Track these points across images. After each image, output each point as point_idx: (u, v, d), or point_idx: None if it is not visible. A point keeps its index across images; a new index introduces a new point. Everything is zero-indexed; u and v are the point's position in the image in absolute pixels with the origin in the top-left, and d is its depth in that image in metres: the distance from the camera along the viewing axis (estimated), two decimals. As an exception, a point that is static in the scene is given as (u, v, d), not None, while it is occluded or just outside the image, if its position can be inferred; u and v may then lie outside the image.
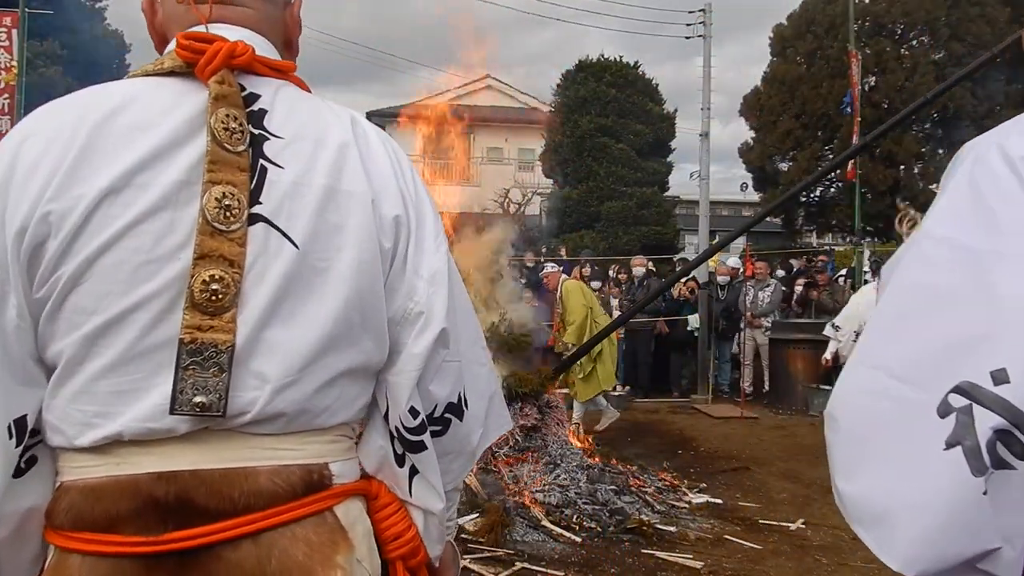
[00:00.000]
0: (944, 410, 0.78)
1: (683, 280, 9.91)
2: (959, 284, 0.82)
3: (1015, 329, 0.76)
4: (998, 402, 0.75)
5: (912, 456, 0.81)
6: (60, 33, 15.99)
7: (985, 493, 0.75)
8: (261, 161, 0.95)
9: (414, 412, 1.01)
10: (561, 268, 8.73)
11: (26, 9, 10.92)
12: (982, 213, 0.84)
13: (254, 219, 0.93)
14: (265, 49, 1.05)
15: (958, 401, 0.78)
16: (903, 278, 0.91)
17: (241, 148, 0.93)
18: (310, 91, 1.10)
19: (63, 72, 15.84)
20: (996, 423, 0.75)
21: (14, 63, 10.59)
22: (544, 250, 14.33)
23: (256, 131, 0.96)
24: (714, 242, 11.78)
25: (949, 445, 0.77)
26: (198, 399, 0.88)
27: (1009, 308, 0.77)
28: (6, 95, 10.64)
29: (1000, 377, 0.76)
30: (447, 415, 1.06)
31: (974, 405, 0.76)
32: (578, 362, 7.34)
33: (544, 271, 8.79)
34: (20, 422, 0.90)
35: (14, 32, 10.68)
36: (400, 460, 1.05)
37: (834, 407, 0.93)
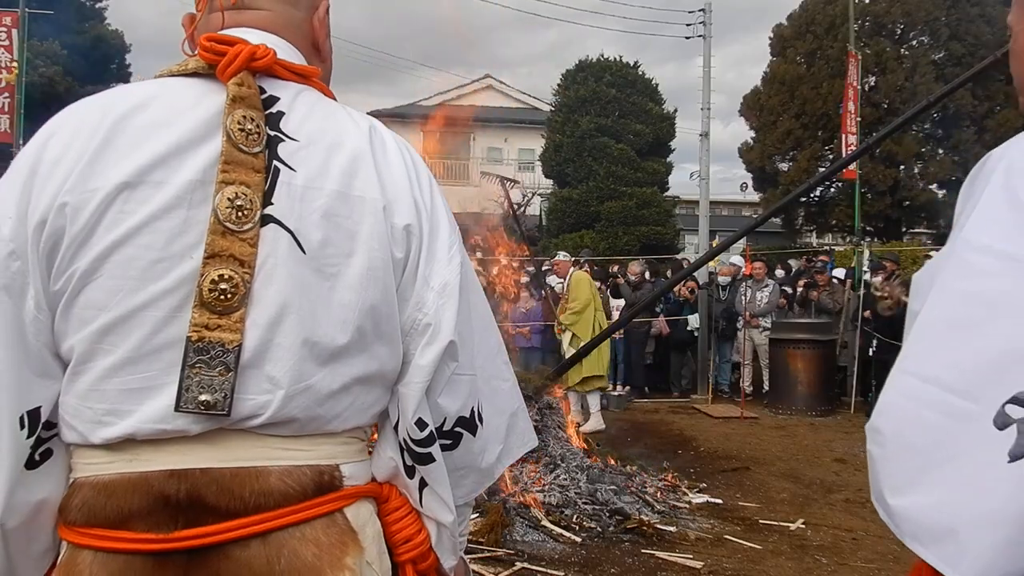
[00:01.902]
0: (1002, 422, 0.76)
1: (683, 281, 9.90)
2: (1008, 292, 0.80)
3: None
4: None
5: (973, 470, 0.78)
6: (60, 33, 15.98)
7: None
8: (275, 162, 0.96)
9: (421, 424, 1.00)
10: (572, 259, 8.82)
11: (26, 9, 10.92)
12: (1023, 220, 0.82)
13: (266, 220, 0.93)
14: (288, 53, 1.05)
15: (1017, 412, 0.76)
16: (947, 287, 0.88)
17: (257, 149, 0.94)
18: (334, 97, 1.10)
19: (63, 72, 15.83)
20: None
21: (15, 62, 10.59)
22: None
23: (272, 133, 0.97)
24: (714, 243, 11.77)
25: (1013, 457, 0.75)
26: (203, 397, 0.88)
27: None
28: (6, 94, 10.64)
29: None
30: (458, 429, 1.05)
31: None
32: (566, 345, 7.60)
33: (555, 258, 8.89)
34: (34, 413, 0.91)
35: (14, 32, 10.68)
36: (410, 472, 1.04)
37: (879, 420, 0.90)
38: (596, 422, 7.81)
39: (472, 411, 1.06)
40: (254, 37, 1.02)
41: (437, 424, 1.02)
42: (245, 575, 0.90)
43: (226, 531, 0.89)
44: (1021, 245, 0.81)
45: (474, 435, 1.06)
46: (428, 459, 1.02)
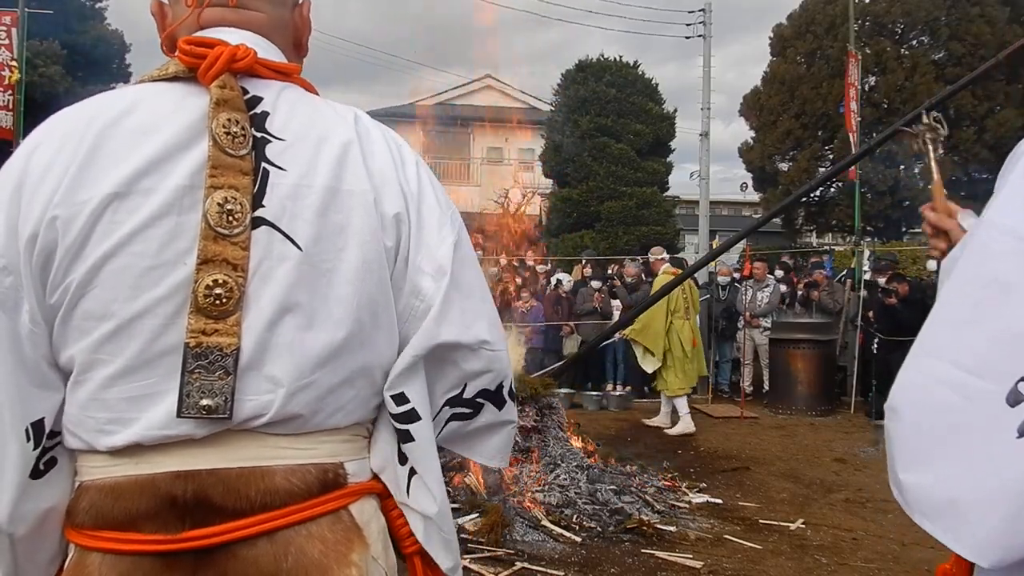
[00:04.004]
0: (1015, 399, 0.77)
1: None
2: None
3: None
4: None
5: (983, 445, 0.80)
6: (60, 33, 15.97)
7: None
8: (263, 164, 0.96)
9: (400, 399, 1.02)
10: (662, 257, 8.66)
11: (26, 9, 10.90)
12: None
13: (257, 223, 0.93)
14: (268, 51, 1.05)
15: None
16: (967, 269, 0.89)
17: (243, 152, 0.94)
18: (316, 92, 1.10)
19: (63, 72, 15.82)
20: None
21: (15, 61, 10.59)
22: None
23: (258, 134, 0.97)
24: (715, 243, 11.77)
25: (1022, 433, 0.76)
26: (204, 402, 0.89)
27: None
28: (10, 92, 10.65)
29: None
30: (479, 400, 1.09)
31: None
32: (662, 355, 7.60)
33: (652, 258, 8.83)
34: (38, 425, 0.92)
35: (13, 31, 10.67)
36: (402, 458, 1.05)
37: (896, 399, 0.91)
38: (685, 424, 7.80)
39: (499, 386, 1.09)
40: (233, 37, 1.02)
41: (455, 393, 1.06)
42: (253, 574, 0.91)
43: (233, 530, 0.90)
44: None
45: (500, 410, 1.10)
46: (407, 437, 1.02)
